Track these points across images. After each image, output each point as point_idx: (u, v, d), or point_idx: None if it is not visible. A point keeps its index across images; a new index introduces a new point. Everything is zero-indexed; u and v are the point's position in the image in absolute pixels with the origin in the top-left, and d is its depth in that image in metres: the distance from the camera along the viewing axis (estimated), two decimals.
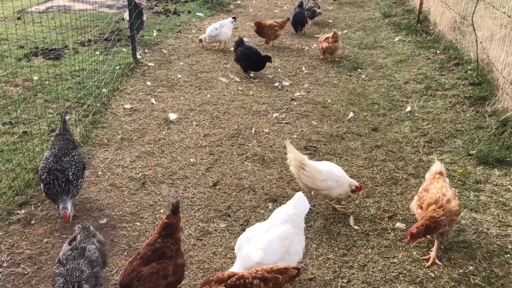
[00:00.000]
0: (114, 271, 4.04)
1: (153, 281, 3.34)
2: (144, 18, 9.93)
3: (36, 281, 3.92)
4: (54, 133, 4.90)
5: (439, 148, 5.85)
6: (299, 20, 10.54)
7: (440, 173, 4.36)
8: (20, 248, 4.25)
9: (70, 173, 4.44)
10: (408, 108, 6.88)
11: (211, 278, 3.28)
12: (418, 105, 7.01)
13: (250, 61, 8.27)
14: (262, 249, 3.57)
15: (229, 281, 3.19)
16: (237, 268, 3.61)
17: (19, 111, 6.41)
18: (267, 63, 8.31)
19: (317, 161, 5.69)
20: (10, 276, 3.95)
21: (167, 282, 3.43)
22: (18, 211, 4.66)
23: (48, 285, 3.83)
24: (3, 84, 7.23)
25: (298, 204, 3.85)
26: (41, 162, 4.64)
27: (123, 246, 4.33)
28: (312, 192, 4.96)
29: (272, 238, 3.63)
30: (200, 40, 9.69)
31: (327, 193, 4.69)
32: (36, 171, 5.18)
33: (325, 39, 8.86)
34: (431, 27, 10.19)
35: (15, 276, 3.96)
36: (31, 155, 5.47)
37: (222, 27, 9.47)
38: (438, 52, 8.92)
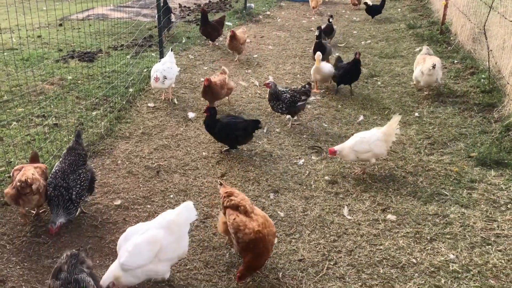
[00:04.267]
0: None
1: None
2: (173, 19, 10.70)
3: (54, 249, 4.38)
4: (67, 146, 4.96)
5: (441, 150, 6.05)
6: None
7: None
8: (42, 222, 4.74)
9: (74, 192, 4.49)
10: (417, 114, 7.10)
11: None
12: (428, 110, 7.21)
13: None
14: (128, 252, 3.58)
15: None
16: (114, 267, 3.62)
17: (52, 106, 7.02)
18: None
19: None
20: (32, 245, 4.44)
21: None
22: None
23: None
24: (40, 82, 7.91)
25: (182, 213, 3.82)
26: (50, 175, 4.68)
27: (133, 225, 4.75)
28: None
29: (139, 241, 3.62)
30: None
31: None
32: None
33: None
34: (452, 38, 10.33)
35: (35, 244, 4.45)
36: (59, 144, 6.03)
37: (171, 62, 7.62)
38: (455, 61, 9.07)
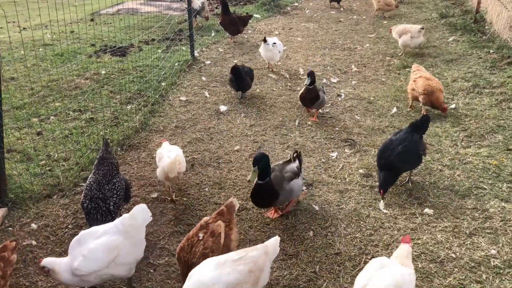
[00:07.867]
0: (161, 237, 4.56)
1: None
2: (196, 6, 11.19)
3: None
4: (98, 156, 4.73)
5: (478, 142, 5.92)
6: None
7: None
8: (83, 214, 4.87)
9: (112, 203, 4.36)
10: (453, 105, 6.96)
11: None
12: (464, 102, 7.06)
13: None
14: (83, 256, 3.56)
15: None
16: (63, 266, 3.59)
17: (87, 100, 7.17)
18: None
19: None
20: (73, 236, 4.56)
21: None
22: (83, 184, 5.31)
23: None
24: (75, 77, 8.08)
25: (137, 215, 3.80)
26: (85, 187, 4.51)
27: (170, 217, 4.85)
28: None
29: (96, 247, 3.60)
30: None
31: None
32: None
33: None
34: (487, 27, 10.06)
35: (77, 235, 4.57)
36: (95, 137, 6.16)
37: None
38: (491, 51, 8.84)
